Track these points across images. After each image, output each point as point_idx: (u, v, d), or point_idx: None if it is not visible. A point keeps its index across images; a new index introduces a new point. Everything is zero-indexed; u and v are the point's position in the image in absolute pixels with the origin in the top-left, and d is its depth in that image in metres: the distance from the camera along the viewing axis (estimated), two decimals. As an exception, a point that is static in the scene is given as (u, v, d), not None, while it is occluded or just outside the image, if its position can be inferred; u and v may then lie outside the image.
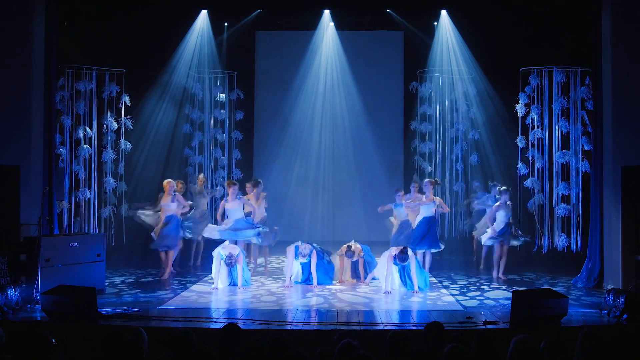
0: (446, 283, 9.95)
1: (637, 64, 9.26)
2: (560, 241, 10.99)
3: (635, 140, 9.22)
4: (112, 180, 11.84)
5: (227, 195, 10.69)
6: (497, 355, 4.29)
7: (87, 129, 11.62)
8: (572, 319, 7.18)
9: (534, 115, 11.42)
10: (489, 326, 6.81)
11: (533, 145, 11.45)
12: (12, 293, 7.55)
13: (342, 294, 9.05)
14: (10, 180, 9.24)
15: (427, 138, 13.58)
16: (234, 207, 10.48)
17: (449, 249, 11.81)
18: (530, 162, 11.50)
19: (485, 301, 8.60)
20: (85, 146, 11.58)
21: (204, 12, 13.01)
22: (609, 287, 8.67)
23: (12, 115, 9.27)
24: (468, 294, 9.08)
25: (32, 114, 9.43)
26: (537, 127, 11.43)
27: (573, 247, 10.98)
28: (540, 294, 7.24)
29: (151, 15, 11.95)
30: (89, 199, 11.62)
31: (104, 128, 11.83)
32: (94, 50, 11.87)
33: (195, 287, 9.61)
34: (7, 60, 9.27)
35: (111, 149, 11.87)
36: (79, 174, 11.52)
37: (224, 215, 10.66)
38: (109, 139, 11.89)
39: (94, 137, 11.74)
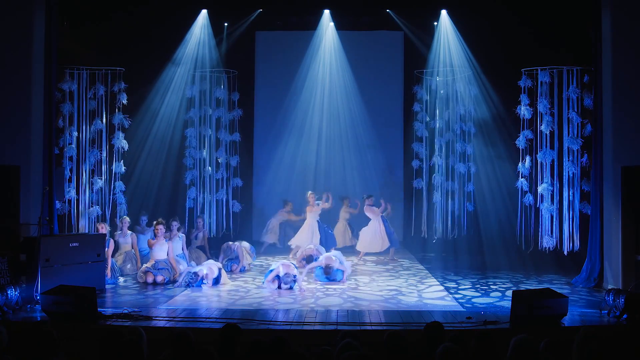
0: (452, 284, 9.87)
1: (637, 64, 9.27)
2: (545, 241, 10.96)
3: (635, 140, 9.22)
4: (99, 180, 11.81)
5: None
6: (497, 355, 4.28)
7: (74, 130, 11.60)
8: (572, 319, 7.18)
9: (530, 115, 11.38)
10: (489, 326, 6.82)
11: (532, 146, 11.43)
12: (12, 293, 7.55)
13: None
14: (10, 180, 9.25)
15: (426, 138, 13.57)
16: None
17: (453, 249, 11.78)
18: (522, 162, 11.47)
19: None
20: (71, 146, 11.55)
21: (204, 12, 13.03)
22: (609, 287, 8.67)
23: (12, 115, 9.28)
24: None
25: (32, 114, 9.43)
26: (539, 127, 11.40)
27: (570, 247, 10.94)
28: (540, 294, 7.24)
29: (151, 15, 11.96)
30: (76, 199, 11.58)
31: (93, 127, 11.79)
32: (94, 50, 11.86)
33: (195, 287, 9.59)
34: (7, 60, 9.29)
35: (97, 149, 11.80)
36: (65, 175, 11.46)
37: None
38: (103, 138, 11.86)
39: (82, 137, 11.69)
